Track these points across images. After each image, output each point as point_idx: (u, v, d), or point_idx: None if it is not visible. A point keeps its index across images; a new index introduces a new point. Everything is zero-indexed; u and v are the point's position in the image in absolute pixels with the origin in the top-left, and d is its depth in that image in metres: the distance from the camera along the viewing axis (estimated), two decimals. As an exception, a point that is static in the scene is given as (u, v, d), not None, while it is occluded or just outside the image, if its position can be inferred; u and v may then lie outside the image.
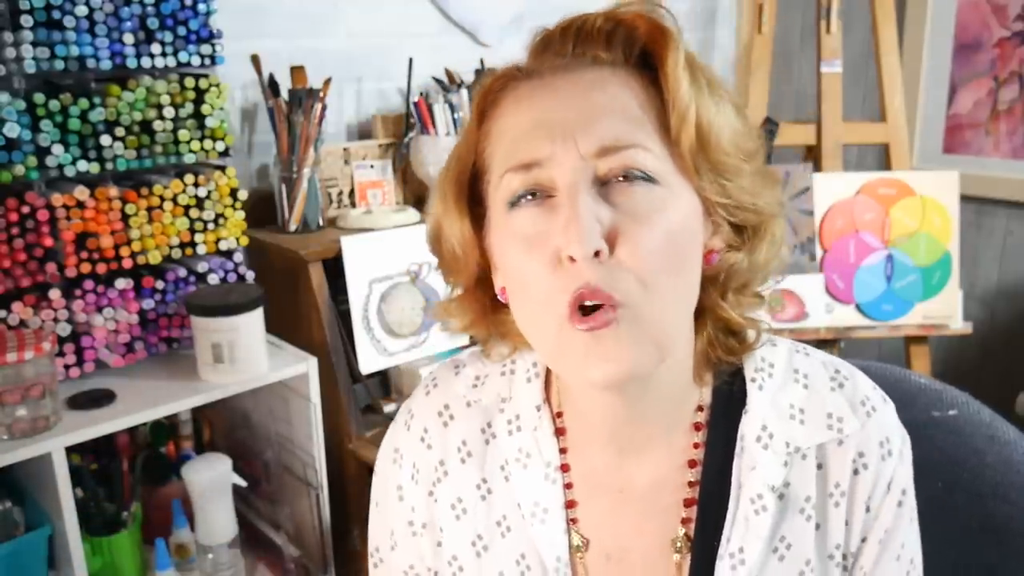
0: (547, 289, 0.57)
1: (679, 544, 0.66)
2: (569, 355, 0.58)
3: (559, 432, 0.69)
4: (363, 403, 1.57)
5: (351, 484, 1.49)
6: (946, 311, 1.95)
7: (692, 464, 0.67)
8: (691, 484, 0.66)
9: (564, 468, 0.69)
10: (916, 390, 0.96)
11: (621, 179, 0.58)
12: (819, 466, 0.65)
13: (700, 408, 0.68)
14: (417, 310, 1.57)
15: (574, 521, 0.68)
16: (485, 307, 0.68)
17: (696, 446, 0.67)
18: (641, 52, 0.61)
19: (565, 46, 0.62)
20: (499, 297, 0.66)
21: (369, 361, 1.52)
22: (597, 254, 0.55)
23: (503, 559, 0.69)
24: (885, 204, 1.95)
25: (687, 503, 0.66)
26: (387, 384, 1.63)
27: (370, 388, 1.60)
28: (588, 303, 0.56)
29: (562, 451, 0.69)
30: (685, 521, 0.66)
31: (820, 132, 2.06)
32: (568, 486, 0.69)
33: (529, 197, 0.59)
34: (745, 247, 0.64)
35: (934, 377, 0.98)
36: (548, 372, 0.71)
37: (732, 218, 0.63)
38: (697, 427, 0.67)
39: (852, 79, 2.29)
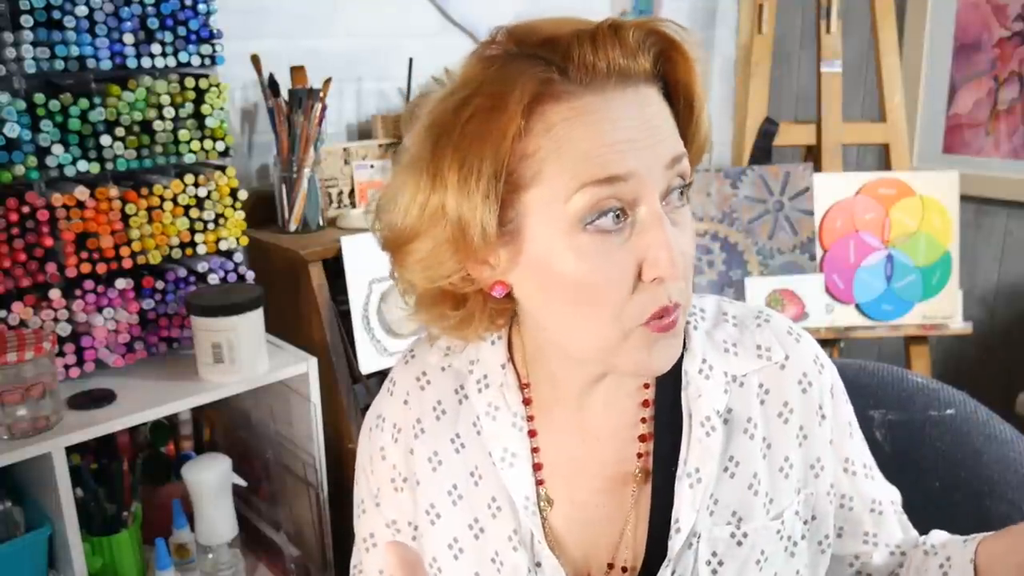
0: (624, 303, 0.61)
1: (636, 478, 0.73)
2: (632, 353, 0.64)
3: (526, 402, 0.75)
4: (363, 403, 1.56)
5: (351, 484, 1.48)
6: (946, 311, 1.95)
7: (645, 404, 0.74)
8: (644, 421, 0.74)
9: (530, 431, 0.75)
10: (914, 389, 0.96)
11: (679, 194, 0.63)
12: (767, 391, 0.73)
13: None
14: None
15: (539, 472, 0.74)
16: (480, 305, 0.70)
17: (646, 386, 0.74)
18: (662, 68, 0.64)
19: (615, 50, 0.60)
20: (493, 293, 0.67)
21: (369, 361, 1.52)
22: None
23: (476, 505, 0.75)
24: (885, 204, 1.95)
25: (643, 438, 0.73)
26: (387, 384, 1.63)
27: (370, 388, 1.59)
28: (665, 316, 0.62)
29: (527, 407, 0.75)
30: (641, 455, 0.73)
31: (820, 132, 2.06)
32: (533, 442, 0.75)
33: (614, 217, 0.60)
34: None
35: (934, 377, 0.99)
36: (511, 339, 0.77)
37: None
38: None
39: (852, 79, 2.29)
